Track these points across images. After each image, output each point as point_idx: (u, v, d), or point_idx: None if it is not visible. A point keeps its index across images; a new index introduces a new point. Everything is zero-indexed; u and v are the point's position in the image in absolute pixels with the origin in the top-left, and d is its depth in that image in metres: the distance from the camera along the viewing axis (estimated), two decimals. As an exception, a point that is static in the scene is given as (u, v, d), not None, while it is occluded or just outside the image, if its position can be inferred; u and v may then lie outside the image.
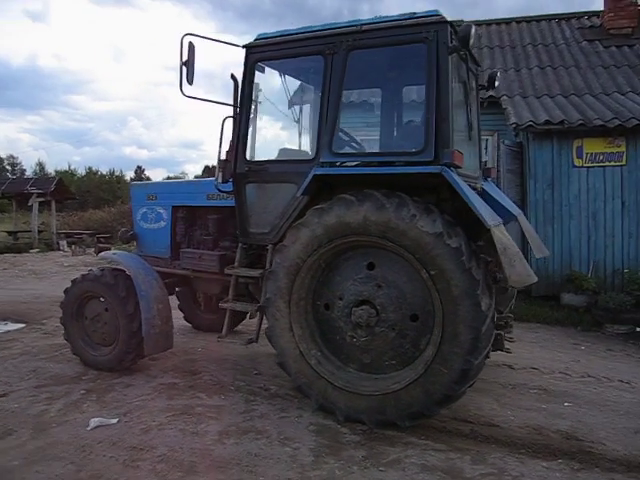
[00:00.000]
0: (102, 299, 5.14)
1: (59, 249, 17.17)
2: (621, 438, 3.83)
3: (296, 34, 4.41)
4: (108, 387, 4.84)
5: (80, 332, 5.32)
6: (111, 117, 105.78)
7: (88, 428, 3.98)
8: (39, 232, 17.95)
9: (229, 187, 4.74)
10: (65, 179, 25.46)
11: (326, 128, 4.17)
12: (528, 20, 12.00)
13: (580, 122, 7.52)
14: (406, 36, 4.01)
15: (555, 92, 8.99)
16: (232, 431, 3.95)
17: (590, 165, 7.76)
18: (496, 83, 5.21)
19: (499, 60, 10.43)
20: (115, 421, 4.10)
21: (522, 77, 9.67)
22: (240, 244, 4.83)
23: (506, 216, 4.97)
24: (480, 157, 5.23)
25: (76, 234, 18.57)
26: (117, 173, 47.15)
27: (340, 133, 4.34)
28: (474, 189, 4.51)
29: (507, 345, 4.87)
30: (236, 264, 4.82)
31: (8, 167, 52.53)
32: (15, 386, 4.86)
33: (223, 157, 4.69)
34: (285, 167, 4.53)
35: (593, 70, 9.62)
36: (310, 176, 4.06)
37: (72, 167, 48.40)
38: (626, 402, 4.52)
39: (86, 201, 33.76)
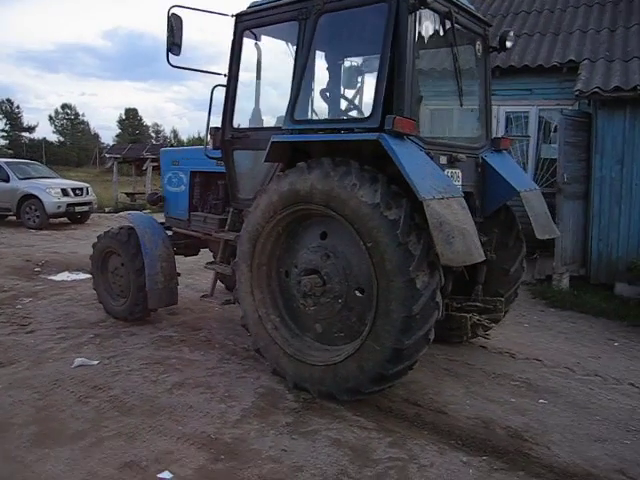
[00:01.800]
0: (118, 255, 5.66)
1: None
2: (574, 445, 3.41)
3: (281, 0, 4.36)
4: (115, 334, 5.36)
5: (104, 283, 5.91)
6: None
7: (71, 366, 4.48)
8: (152, 194, 19.74)
9: (218, 154, 4.90)
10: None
11: (291, 95, 4.12)
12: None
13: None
14: None
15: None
16: (187, 384, 4.20)
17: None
18: (507, 44, 4.72)
19: (594, 19, 9.22)
20: (96, 363, 4.56)
21: (615, 38, 8.46)
22: (231, 209, 4.99)
23: (506, 191, 4.56)
24: (486, 126, 4.79)
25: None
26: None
27: (305, 99, 4.24)
28: (454, 159, 4.19)
29: (493, 331, 4.53)
30: (226, 228, 5.00)
31: (153, 134, 58.04)
32: (44, 325, 5.59)
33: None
34: (262, 134, 4.56)
35: None
36: (269, 144, 4.06)
37: (202, 134, 51.93)
38: (616, 408, 3.97)
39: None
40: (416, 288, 3.41)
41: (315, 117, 4.32)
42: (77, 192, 14.44)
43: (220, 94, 4.86)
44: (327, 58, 4.57)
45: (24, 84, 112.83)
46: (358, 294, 3.84)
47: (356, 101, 4.87)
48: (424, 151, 3.82)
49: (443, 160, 4.17)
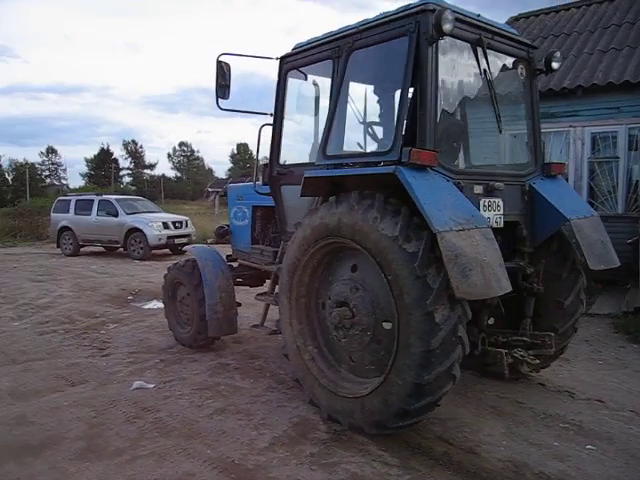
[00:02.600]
0: (184, 285, 6.07)
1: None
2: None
3: (318, 40, 4.57)
4: (178, 360, 5.74)
5: (173, 312, 6.36)
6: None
7: (130, 388, 4.87)
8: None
9: (267, 189, 5.16)
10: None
11: (324, 130, 4.28)
12: None
13: None
14: (393, 31, 3.87)
15: None
16: (228, 410, 4.39)
17: None
18: (554, 65, 4.53)
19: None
20: (152, 386, 4.92)
21: None
22: (282, 242, 5.20)
23: (555, 219, 4.32)
24: (535, 151, 4.59)
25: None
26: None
27: (336, 134, 4.36)
28: (491, 188, 4.06)
29: (559, 367, 4.23)
30: (277, 260, 5.21)
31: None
32: (119, 350, 6.13)
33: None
34: (302, 170, 4.74)
35: None
36: (303, 179, 4.22)
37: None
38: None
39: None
40: (435, 322, 3.33)
41: (345, 152, 4.41)
42: (177, 225, 15.64)
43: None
44: (357, 94, 4.67)
45: (147, 125, 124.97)
46: (386, 327, 3.82)
47: (381, 135, 4.90)
48: (452, 182, 3.76)
49: (478, 190, 4.05)
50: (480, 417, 4.21)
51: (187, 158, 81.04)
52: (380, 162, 3.90)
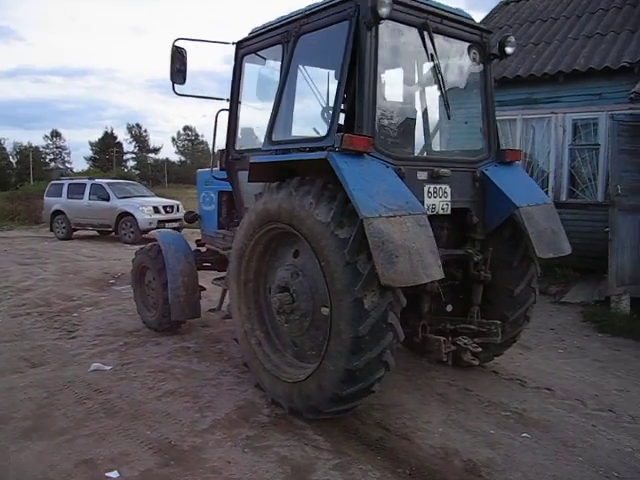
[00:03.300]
0: (150, 269, 6.12)
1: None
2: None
3: (270, 25, 4.54)
4: (142, 343, 5.81)
5: (141, 295, 6.42)
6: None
7: (88, 370, 4.94)
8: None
9: (224, 175, 5.17)
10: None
11: (270, 116, 4.27)
12: None
13: None
14: (336, 15, 3.85)
15: None
16: (177, 392, 4.46)
17: None
18: (508, 50, 4.48)
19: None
20: (108, 368, 4.99)
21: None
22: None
23: (505, 206, 4.30)
24: (489, 138, 4.55)
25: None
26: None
27: (282, 120, 4.35)
28: (437, 174, 4.04)
29: (519, 355, 4.24)
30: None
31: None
32: (87, 332, 6.21)
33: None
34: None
35: None
36: (249, 165, 4.22)
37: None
38: (609, 449, 3.54)
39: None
40: (364, 308, 3.35)
41: (288, 138, 4.40)
42: (167, 209, 15.68)
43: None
44: (304, 79, 4.65)
45: (153, 109, 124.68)
46: (324, 313, 3.84)
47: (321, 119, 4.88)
48: (391, 168, 3.75)
49: (422, 176, 4.04)
50: (424, 404, 4.25)
51: (192, 142, 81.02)
52: (322, 148, 3.90)
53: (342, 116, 4.20)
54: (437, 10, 4.08)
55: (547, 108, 8.89)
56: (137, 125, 75.60)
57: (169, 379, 4.75)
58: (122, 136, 73.42)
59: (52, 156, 67.29)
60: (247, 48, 4.84)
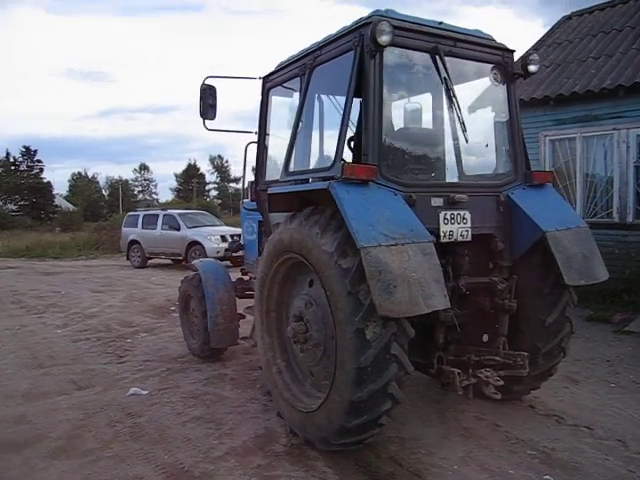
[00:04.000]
0: (193, 298, 6.36)
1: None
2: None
3: (292, 58, 4.69)
4: (182, 369, 6.02)
5: (186, 322, 6.67)
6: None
7: (126, 394, 5.19)
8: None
9: (254, 205, 5.33)
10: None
11: (287, 147, 4.37)
12: None
13: None
14: (344, 45, 3.92)
15: None
16: (203, 418, 4.58)
17: None
18: (531, 68, 4.31)
19: None
20: (145, 393, 5.21)
21: None
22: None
23: (532, 231, 4.10)
24: (515, 160, 4.38)
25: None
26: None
27: (298, 151, 4.42)
28: (453, 200, 3.93)
29: (564, 389, 4.14)
30: (266, 275, 5.34)
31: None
32: (136, 357, 6.54)
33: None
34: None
35: None
36: (267, 195, 4.33)
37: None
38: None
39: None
40: (365, 339, 3.30)
41: (305, 168, 4.46)
42: (235, 238, 16.17)
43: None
44: (321, 110, 4.71)
45: (234, 141, 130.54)
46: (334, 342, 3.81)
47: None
48: (400, 195, 3.70)
49: (437, 202, 3.95)
50: (446, 438, 4.06)
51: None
52: (330, 177, 3.93)
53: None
54: (449, 33, 4.03)
55: (609, 124, 8.38)
56: (219, 156, 79.32)
57: (198, 405, 4.88)
58: (205, 167, 77.38)
59: (140, 188, 72.38)
60: (272, 82, 5.01)
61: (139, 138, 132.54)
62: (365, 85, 3.69)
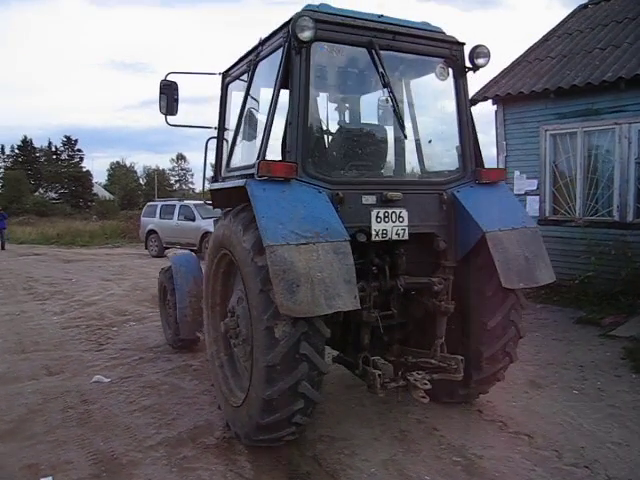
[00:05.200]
0: (168, 289, 6.50)
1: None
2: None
3: (244, 54, 4.69)
4: (153, 358, 6.18)
5: (163, 313, 6.82)
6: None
7: (90, 381, 5.37)
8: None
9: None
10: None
11: (230, 144, 4.40)
12: None
13: None
14: (277, 41, 3.90)
15: None
16: (152, 408, 4.70)
17: None
18: (480, 61, 4.15)
19: None
20: (107, 381, 5.38)
21: None
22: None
23: (474, 231, 4.00)
24: (464, 157, 4.26)
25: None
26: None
27: (239, 148, 4.44)
28: (386, 198, 3.86)
29: (522, 394, 4.07)
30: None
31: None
32: (115, 346, 6.75)
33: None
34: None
35: None
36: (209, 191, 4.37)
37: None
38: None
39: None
40: (274, 337, 3.31)
41: (242, 164, 4.46)
42: (248, 229, 16.39)
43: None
44: (261, 106, 4.69)
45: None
46: None
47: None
48: (325, 192, 3.67)
49: (369, 200, 3.88)
50: (377, 440, 4.03)
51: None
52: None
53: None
54: (388, 27, 3.94)
55: (610, 119, 8.02)
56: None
57: (152, 395, 5.00)
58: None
59: (177, 177, 73.59)
60: (230, 77, 5.03)
61: (178, 128, 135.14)
62: (291, 81, 3.67)
